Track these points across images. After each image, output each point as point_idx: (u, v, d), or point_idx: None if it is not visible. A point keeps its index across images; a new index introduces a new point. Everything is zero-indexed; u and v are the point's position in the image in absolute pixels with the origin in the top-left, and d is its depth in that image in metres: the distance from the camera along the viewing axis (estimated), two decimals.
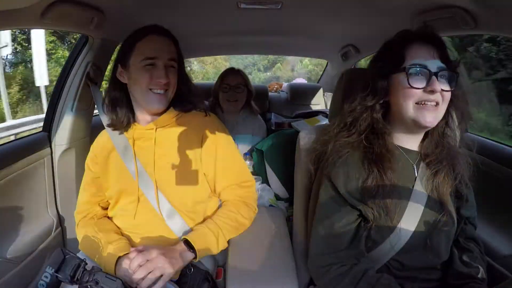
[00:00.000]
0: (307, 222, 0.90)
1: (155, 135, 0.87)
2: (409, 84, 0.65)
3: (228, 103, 1.61)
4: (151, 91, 0.82)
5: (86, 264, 0.64)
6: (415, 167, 0.74)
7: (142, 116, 0.89)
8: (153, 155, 0.87)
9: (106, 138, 0.92)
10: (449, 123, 0.74)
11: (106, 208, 0.94)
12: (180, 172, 0.86)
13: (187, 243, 0.79)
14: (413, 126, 0.70)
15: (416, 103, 0.66)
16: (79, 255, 0.73)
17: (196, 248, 0.79)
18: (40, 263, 1.01)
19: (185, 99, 0.90)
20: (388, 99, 0.72)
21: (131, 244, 0.86)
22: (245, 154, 1.56)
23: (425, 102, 0.66)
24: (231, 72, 1.65)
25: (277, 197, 1.45)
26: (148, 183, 0.86)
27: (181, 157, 0.87)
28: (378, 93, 0.71)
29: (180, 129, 0.88)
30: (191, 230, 0.87)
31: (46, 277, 0.61)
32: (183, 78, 0.90)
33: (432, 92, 0.65)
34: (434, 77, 0.65)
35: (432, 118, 0.66)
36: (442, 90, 0.65)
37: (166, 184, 0.86)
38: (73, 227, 1.17)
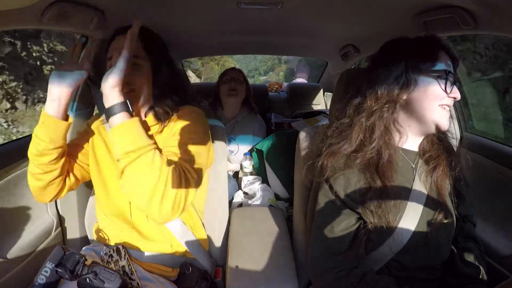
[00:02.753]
0: (307, 222, 0.90)
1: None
2: (445, 88, 0.67)
3: (228, 95, 1.71)
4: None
5: (86, 260, 0.64)
6: (414, 167, 0.74)
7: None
8: None
9: (99, 126, 0.91)
10: None
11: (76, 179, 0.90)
12: None
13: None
14: (431, 128, 0.70)
15: (439, 105, 0.69)
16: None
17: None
18: (40, 263, 0.99)
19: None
20: (407, 97, 0.70)
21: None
22: (245, 154, 1.57)
23: (445, 105, 0.69)
24: (232, 69, 1.85)
25: (277, 197, 1.45)
26: None
27: None
28: (411, 86, 0.68)
29: (167, 129, 0.84)
30: (187, 228, 0.88)
31: (46, 271, 0.61)
32: (157, 77, 0.82)
33: (455, 98, 0.69)
34: (454, 85, 0.69)
35: (448, 121, 0.70)
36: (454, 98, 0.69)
37: None
38: (73, 227, 1.17)
